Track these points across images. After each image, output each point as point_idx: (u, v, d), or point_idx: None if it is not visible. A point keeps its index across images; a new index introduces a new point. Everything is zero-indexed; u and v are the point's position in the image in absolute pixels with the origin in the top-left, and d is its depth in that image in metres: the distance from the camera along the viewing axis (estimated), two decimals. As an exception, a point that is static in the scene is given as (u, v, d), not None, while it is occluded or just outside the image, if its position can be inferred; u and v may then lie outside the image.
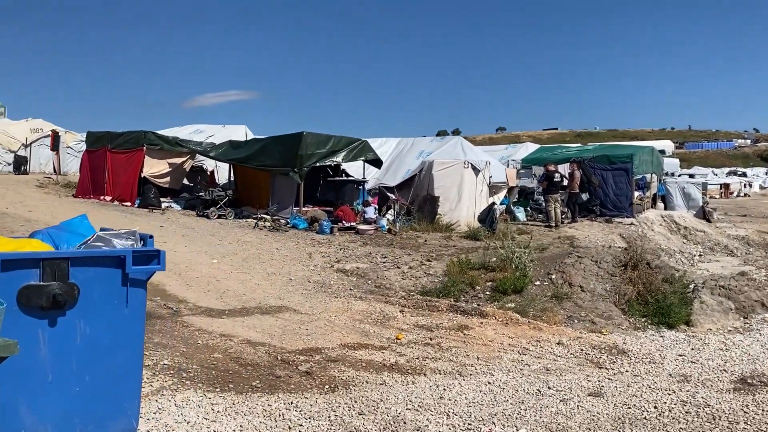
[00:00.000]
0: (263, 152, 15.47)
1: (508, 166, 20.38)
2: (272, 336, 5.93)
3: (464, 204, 14.26)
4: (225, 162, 17.37)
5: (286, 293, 7.84)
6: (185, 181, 19.53)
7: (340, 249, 11.06)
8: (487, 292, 7.90)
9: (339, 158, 15.01)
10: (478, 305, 7.49)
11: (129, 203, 16.45)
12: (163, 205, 16.50)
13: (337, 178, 15.85)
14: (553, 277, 7.99)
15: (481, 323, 6.69)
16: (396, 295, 7.97)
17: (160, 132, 19.29)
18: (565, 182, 16.91)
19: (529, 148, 22.19)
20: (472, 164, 14.38)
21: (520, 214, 16.57)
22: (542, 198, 16.53)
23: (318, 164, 14.74)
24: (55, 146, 21.97)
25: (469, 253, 10.45)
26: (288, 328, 6.22)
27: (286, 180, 14.74)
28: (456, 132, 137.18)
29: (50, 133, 23.08)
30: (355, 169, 17.10)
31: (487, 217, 13.38)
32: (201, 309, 6.83)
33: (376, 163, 16.33)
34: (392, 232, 13.13)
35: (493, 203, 13.79)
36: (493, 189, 15.78)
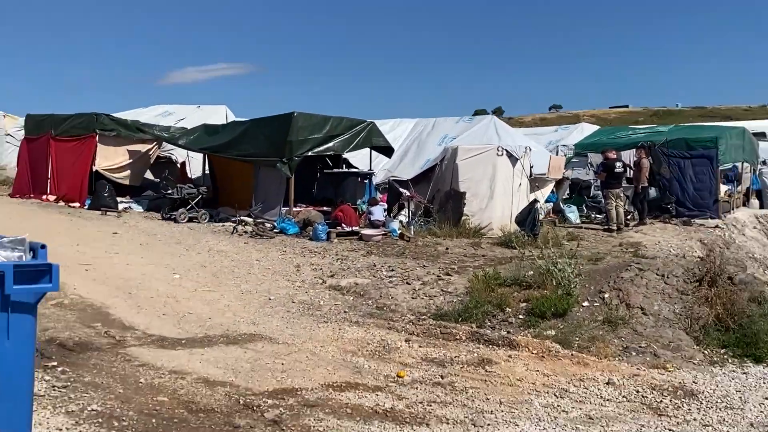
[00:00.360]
0: (245, 139, 15.47)
1: (557, 152, 20.18)
2: (237, 373, 5.83)
3: (497, 202, 14.07)
4: (198, 151, 17.40)
5: (262, 317, 7.79)
6: (149, 176, 19.62)
7: (337, 259, 11.04)
8: (521, 316, 7.76)
9: (339, 145, 14.92)
10: (508, 332, 7.36)
11: (77, 204, 16.57)
12: (121, 206, 16.60)
13: (337, 170, 15.76)
14: (606, 296, 7.81)
15: (510, 356, 6.54)
16: (402, 319, 7.87)
17: (117, 115, 19.40)
18: (630, 173, 16.68)
19: (584, 131, 21.93)
20: (507, 151, 14.19)
21: (572, 214, 16.38)
22: (600, 194, 16.32)
23: (312, 153, 14.67)
24: (-11, 134, 22.26)
25: (501, 264, 10.31)
26: (259, 363, 6.12)
27: (273, 173, 14.72)
28: (498, 111, 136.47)
29: (-16, 117, 23.39)
30: (360, 158, 17.01)
31: (527, 218, 13.16)
32: (151, 338, 6.78)
33: (387, 151, 16.22)
34: (405, 238, 13.02)
35: (535, 201, 13.55)
36: (536, 182, 15.57)
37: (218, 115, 21.65)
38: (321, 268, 10.35)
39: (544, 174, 16.07)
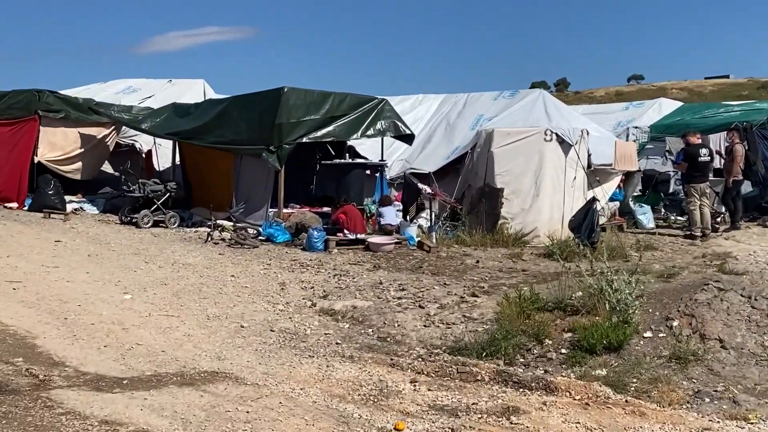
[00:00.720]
0: (222, 121, 15.49)
1: (627, 136, 19.97)
2: (186, 424, 5.72)
3: (545, 201, 13.94)
4: (164, 137, 17.44)
5: (230, 349, 7.71)
6: (108, 168, 19.74)
7: (335, 275, 11.05)
8: (563, 350, 7.59)
9: (341, 129, 14.85)
10: (545, 372, 7.20)
11: (16, 204, 16.66)
12: (70, 207, 16.71)
13: (337, 161, 15.67)
14: (675, 324, 7.58)
15: (544, 404, 6.37)
16: (409, 353, 7.74)
17: (68, 92, 19.54)
18: (720, 163, 16.48)
19: (663, 108, 21.65)
20: (557, 134, 14.01)
21: (645, 216, 16.28)
22: (682, 190, 16.13)
23: (307, 140, 14.61)
24: None
25: (546, 281, 10.15)
26: (216, 411, 6.01)
27: (258, 165, 14.70)
28: (561, 83, 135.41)
29: None
30: (371, 144, 16.93)
31: (582, 222, 13.01)
32: (85, 377, 6.71)
33: (406, 138, 16.10)
34: (425, 248, 12.93)
35: (594, 200, 13.32)
36: (597, 176, 15.32)
37: (194, 91, 21.78)
38: (312, 287, 10.31)
39: (610, 165, 15.80)
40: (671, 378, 6.82)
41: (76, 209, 16.79)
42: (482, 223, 13.82)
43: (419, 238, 13.50)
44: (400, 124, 15.72)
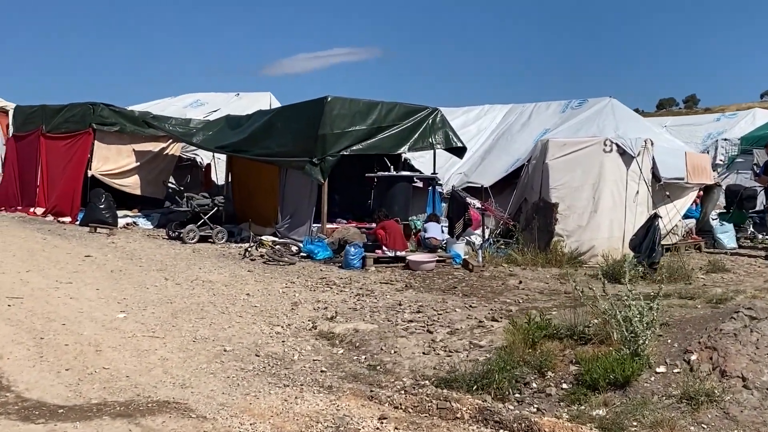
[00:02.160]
0: (269, 133, 15.18)
1: (715, 148, 18.76)
2: (98, 464, 5.25)
3: (604, 217, 13.04)
4: (215, 151, 17.35)
5: (200, 376, 7.22)
6: (172, 183, 19.76)
7: (356, 295, 10.56)
8: (565, 385, 6.75)
9: (388, 141, 14.30)
10: (538, 410, 6.42)
11: (69, 218, 16.72)
12: (123, 221, 16.65)
13: (380, 174, 15.04)
14: (693, 357, 6.63)
15: (518, 450, 5.61)
16: (395, 384, 7.09)
17: (136, 106, 19.72)
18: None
19: (757, 119, 20.32)
20: (618, 145, 13.03)
21: (726, 235, 15.16)
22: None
23: (349, 152, 14.07)
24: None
25: (585, 306, 9.30)
26: (141, 448, 5.51)
27: (303, 178, 14.30)
28: (690, 100, 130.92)
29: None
30: (431, 156, 16.31)
31: (643, 240, 12.02)
32: (23, 404, 6.33)
33: (458, 151, 15.39)
34: (469, 267, 12.19)
35: (655, 216, 12.25)
36: (667, 190, 14.18)
37: (261, 104, 21.68)
38: (326, 307, 9.78)
39: (682, 178, 14.62)
40: (677, 422, 5.90)
41: (128, 224, 16.77)
42: (536, 240, 12.99)
43: (466, 256, 12.79)
44: (451, 135, 15.03)
